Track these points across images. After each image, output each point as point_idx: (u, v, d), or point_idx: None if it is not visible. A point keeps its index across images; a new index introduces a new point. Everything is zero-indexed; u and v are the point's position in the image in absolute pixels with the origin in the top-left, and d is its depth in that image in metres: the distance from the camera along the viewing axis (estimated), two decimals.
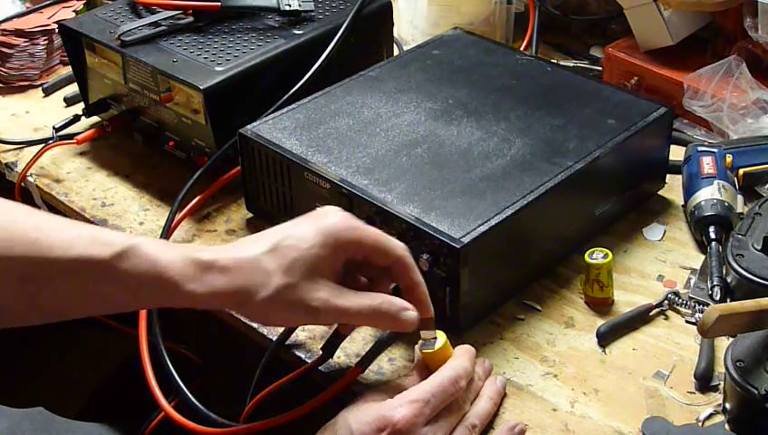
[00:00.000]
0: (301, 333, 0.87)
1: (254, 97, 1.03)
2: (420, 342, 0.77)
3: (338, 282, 0.73)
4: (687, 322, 0.87)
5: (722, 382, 0.78)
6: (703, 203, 0.94)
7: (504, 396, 0.80)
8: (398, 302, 0.74)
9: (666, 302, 0.88)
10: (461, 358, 0.77)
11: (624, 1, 1.19)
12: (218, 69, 1.03)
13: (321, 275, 0.72)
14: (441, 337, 0.77)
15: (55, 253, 0.69)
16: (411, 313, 0.74)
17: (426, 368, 0.77)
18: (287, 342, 0.86)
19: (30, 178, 1.11)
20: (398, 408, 0.71)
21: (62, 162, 1.13)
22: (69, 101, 1.24)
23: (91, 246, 0.69)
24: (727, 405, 0.76)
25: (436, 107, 0.99)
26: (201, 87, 1.00)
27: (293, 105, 1.00)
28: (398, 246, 0.75)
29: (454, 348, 0.79)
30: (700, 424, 0.77)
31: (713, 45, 1.18)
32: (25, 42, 1.27)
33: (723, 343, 0.82)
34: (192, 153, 1.07)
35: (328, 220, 0.74)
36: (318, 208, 0.76)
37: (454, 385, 0.74)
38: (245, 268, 0.71)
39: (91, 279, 0.69)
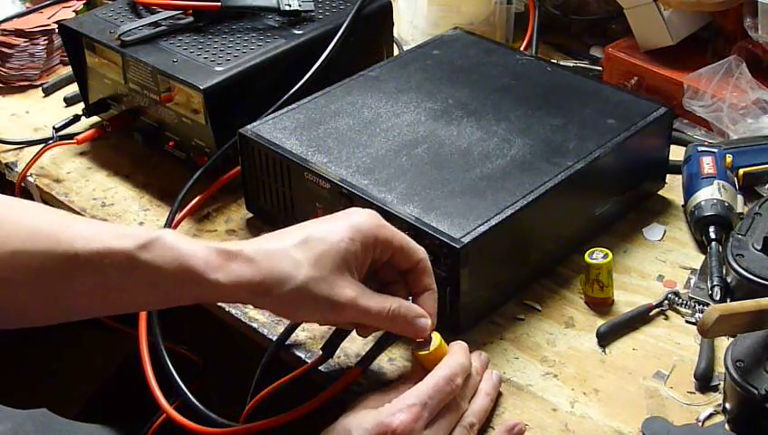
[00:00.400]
0: (301, 334, 0.87)
1: (254, 97, 1.03)
2: (415, 344, 0.77)
3: (361, 281, 0.74)
4: (687, 322, 0.87)
5: (722, 382, 0.78)
6: (703, 203, 0.94)
7: (499, 393, 0.80)
8: (415, 308, 0.75)
9: (666, 302, 0.88)
10: (456, 355, 0.77)
11: (624, 1, 1.19)
12: (218, 69, 1.03)
13: (348, 271, 0.72)
14: (435, 337, 0.77)
15: (77, 247, 0.68)
16: (426, 320, 0.76)
17: (422, 369, 0.77)
18: (287, 342, 0.86)
19: (30, 178, 1.11)
20: (397, 413, 0.71)
21: (62, 162, 1.13)
22: (69, 101, 1.24)
23: (113, 239, 0.69)
24: (727, 405, 0.76)
25: (436, 107, 0.99)
26: (201, 87, 1.00)
27: (293, 105, 1.00)
28: (421, 249, 0.76)
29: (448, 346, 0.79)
30: (700, 424, 0.77)
31: (713, 45, 1.18)
32: (25, 42, 1.27)
33: (723, 343, 0.82)
34: (192, 153, 1.07)
35: (358, 217, 0.74)
36: (348, 209, 0.77)
37: (449, 384, 0.74)
38: (273, 259, 0.71)
39: (113, 272, 0.69)
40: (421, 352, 0.76)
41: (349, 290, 0.72)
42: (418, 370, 0.77)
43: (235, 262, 0.70)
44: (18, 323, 0.73)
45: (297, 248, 0.72)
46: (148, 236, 0.69)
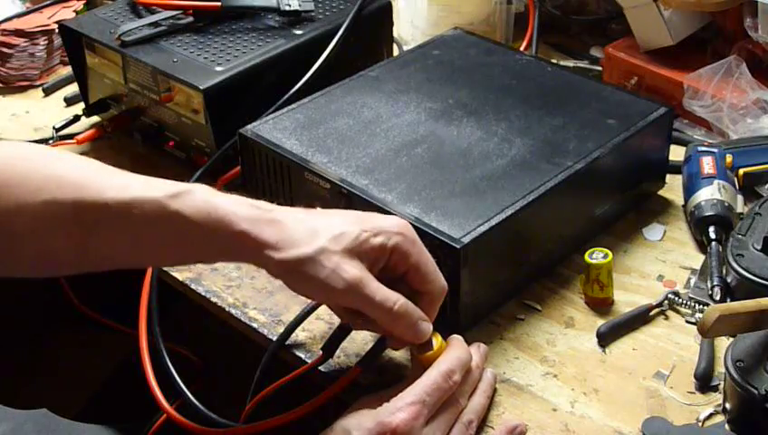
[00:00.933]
0: (301, 334, 0.87)
1: (254, 97, 1.03)
2: (415, 346, 0.77)
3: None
4: (687, 322, 0.87)
5: (722, 382, 0.78)
6: (703, 203, 0.94)
7: (497, 392, 0.80)
8: (418, 310, 0.75)
9: (666, 302, 0.88)
10: (454, 350, 0.77)
11: (624, 1, 1.19)
12: (218, 69, 1.03)
13: (360, 259, 0.72)
14: (436, 338, 0.77)
15: (107, 196, 0.70)
16: (428, 325, 0.75)
17: (423, 371, 0.76)
18: (287, 342, 0.86)
19: None
20: (397, 412, 0.71)
21: None
22: (69, 101, 1.24)
23: (144, 189, 0.70)
24: (727, 405, 0.76)
25: (436, 107, 0.99)
26: (201, 87, 1.00)
27: (293, 105, 1.00)
28: (438, 283, 0.76)
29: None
30: (700, 424, 0.77)
31: (713, 45, 1.18)
32: (25, 42, 1.27)
33: (723, 343, 0.82)
34: (192, 153, 1.07)
35: (389, 220, 0.75)
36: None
37: (447, 381, 0.74)
38: (296, 224, 0.72)
39: (143, 221, 0.70)
40: (425, 354, 0.76)
41: (356, 271, 0.72)
42: (418, 371, 0.77)
43: (262, 217, 0.72)
44: (49, 271, 0.75)
45: (320, 223, 0.73)
46: (179, 188, 0.71)
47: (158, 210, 0.70)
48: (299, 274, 0.72)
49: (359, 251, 0.72)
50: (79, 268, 0.74)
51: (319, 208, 0.76)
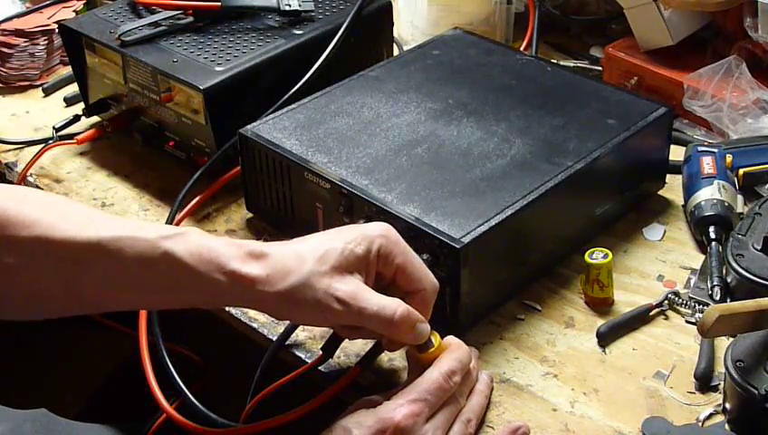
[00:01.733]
0: (301, 334, 0.87)
1: (254, 97, 1.03)
2: (415, 345, 0.77)
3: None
4: (687, 322, 0.87)
5: (722, 382, 0.78)
6: (703, 203, 0.94)
7: (495, 391, 0.80)
8: (417, 313, 0.75)
9: (666, 302, 0.88)
10: (455, 352, 0.77)
11: (624, 1, 1.19)
12: (218, 69, 1.03)
13: (350, 272, 0.72)
14: (435, 337, 0.77)
15: (100, 235, 0.70)
16: (426, 326, 0.75)
17: (422, 370, 0.76)
18: (287, 342, 0.86)
19: (30, 178, 1.11)
20: (398, 408, 0.71)
21: (62, 162, 1.13)
22: (69, 101, 1.24)
23: (137, 230, 0.71)
24: (727, 405, 0.76)
25: (436, 107, 0.99)
26: (201, 87, 1.00)
27: (293, 105, 1.00)
28: (428, 281, 0.76)
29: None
30: (700, 424, 0.77)
31: (713, 45, 1.18)
32: (25, 42, 1.27)
33: (723, 343, 0.82)
34: (192, 153, 1.07)
35: (369, 227, 0.75)
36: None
37: (448, 381, 0.74)
38: (283, 256, 0.72)
39: (135, 261, 0.70)
40: (425, 354, 0.76)
41: (347, 286, 0.72)
42: (417, 370, 0.77)
43: (252, 254, 0.72)
44: (37, 311, 0.75)
45: (303, 247, 0.73)
46: (173, 230, 0.72)
47: (151, 250, 0.70)
48: (294, 302, 0.72)
49: (347, 265, 0.72)
50: (67, 309, 0.74)
51: (306, 236, 0.76)
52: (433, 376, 0.74)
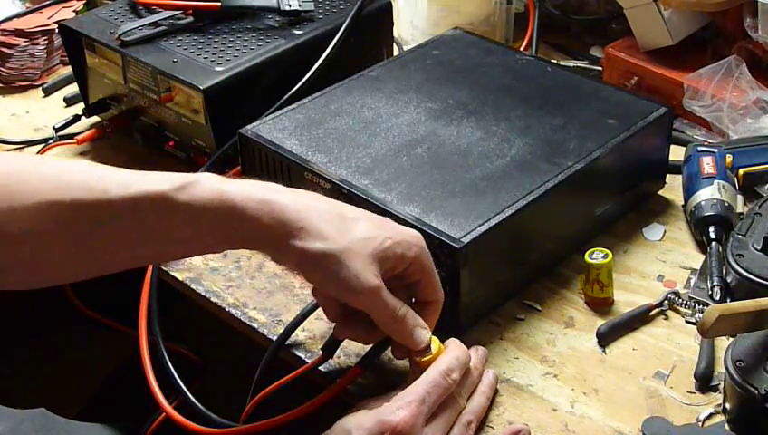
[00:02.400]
0: (301, 334, 0.87)
1: (254, 97, 1.03)
2: (414, 351, 0.77)
3: None
4: (687, 322, 0.87)
5: (722, 382, 0.78)
6: (703, 203, 0.94)
7: (497, 392, 0.80)
8: (419, 318, 0.76)
9: (666, 302, 0.88)
10: (452, 351, 0.77)
11: (624, 1, 1.19)
12: (218, 69, 1.03)
13: (379, 266, 0.72)
14: (434, 342, 0.77)
15: (110, 193, 0.68)
16: (426, 332, 0.76)
17: (422, 373, 0.76)
18: (287, 342, 0.86)
19: None
20: (397, 411, 0.71)
21: None
22: (69, 101, 1.24)
23: (149, 183, 0.69)
24: (727, 405, 0.76)
25: (436, 107, 0.99)
26: (201, 87, 1.00)
27: (293, 105, 1.00)
28: (440, 295, 0.78)
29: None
30: (700, 424, 0.77)
31: (713, 45, 1.18)
32: (25, 42, 1.27)
33: (723, 343, 0.82)
34: (192, 153, 1.07)
35: (411, 233, 0.75)
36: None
37: (446, 378, 0.74)
38: (322, 215, 0.71)
39: (150, 214, 0.69)
40: (424, 358, 0.76)
41: (376, 278, 0.72)
42: (418, 375, 0.76)
43: (278, 203, 0.70)
44: (45, 278, 0.73)
45: (346, 220, 0.73)
46: (186, 178, 0.70)
47: (167, 201, 0.68)
48: (321, 267, 0.71)
49: (381, 257, 0.73)
50: (78, 273, 0.72)
51: (332, 200, 0.76)
52: (430, 375, 0.74)
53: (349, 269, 0.71)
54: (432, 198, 0.86)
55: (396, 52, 1.23)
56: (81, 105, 1.17)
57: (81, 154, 1.14)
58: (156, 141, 1.11)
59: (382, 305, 0.73)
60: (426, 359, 0.76)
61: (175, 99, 1.05)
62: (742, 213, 0.94)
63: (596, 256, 0.88)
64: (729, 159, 0.99)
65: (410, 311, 0.75)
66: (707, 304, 0.87)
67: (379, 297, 0.72)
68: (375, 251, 0.72)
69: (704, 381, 0.80)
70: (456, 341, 0.78)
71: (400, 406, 0.71)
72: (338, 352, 0.83)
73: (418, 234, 0.76)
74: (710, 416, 0.77)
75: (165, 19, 1.11)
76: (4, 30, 1.27)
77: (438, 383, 0.73)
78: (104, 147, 1.15)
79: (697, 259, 0.94)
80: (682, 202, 1.00)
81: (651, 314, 0.88)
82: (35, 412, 0.89)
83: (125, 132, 1.14)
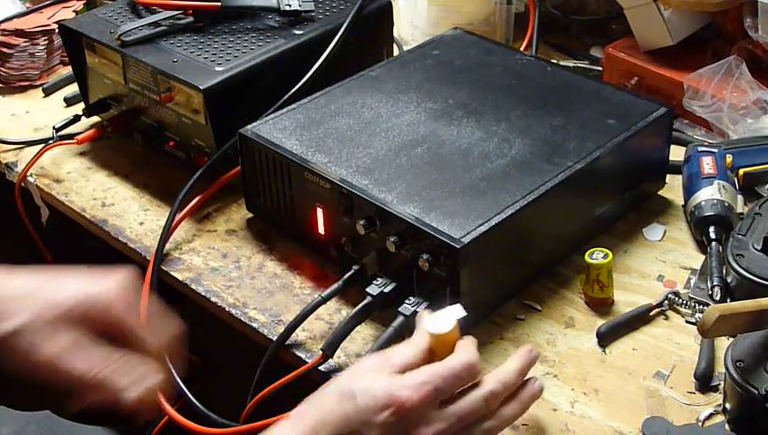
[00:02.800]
0: (301, 334, 0.87)
1: (254, 97, 1.03)
2: (428, 320, 0.72)
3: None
4: (687, 322, 0.87)
5: (722, 382, 0.78)
6: (703, 203, 0.94)
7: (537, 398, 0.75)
8: (121, 381, 0.68)
9: (666, 302, 0.88)
10: (503, 374, 0.72)
11: (624, 1, 1.19)
12: (218, 69, 1.03)
13: (69, 328, 0.66)
14: (454, 322, 0.72)
15: None
16: (134, 396, 0.68)
17: (428, 348, 0.72)
18: (287, 342, 0.86)
19: (30, 179, 1.11)
20: (407, 390, 0.67)
21: (63, 162, 1.13)
22: (69, 101, 1.24)
23: None
24: (727, 405, 0.76)
25: (436, 107, 0.99)
26: (201, 87, 1.00)
27: (293, 105, 1.00)
28: (153, 336, 0.69)
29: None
30: (700, 424, 0.77)
31: (713, 45, 1.18)
32: (25, 42, 1.27)
33: (723, 343, 0.82)
34: (192, 153, 1.07)
35: (101, 282, 0.68)
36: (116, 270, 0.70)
37: (468, 371, 0.70)
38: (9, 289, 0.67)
39: None
40: (439, 333, 0.71)
41: (55, 345, 0.65)
42: (425, 346, 0.72)
43: None
44: None
45: (32, 289, 0.67)
46: None
47: None
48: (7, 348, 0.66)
49: (67, 319, 0.66)
50: None
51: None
52: (453, 363, 0.69)
53: (30, 344, 0.65)
54: (432, 198, 0.86)
55: (396, 52, 1.23)
56: (81, 105, 1.17)
57: (81, 154, 1.14)
58: (156, 141, 1.11)
59: (69, 373, 0.66)
60: (442, 333, 0.71)
61: (175, 99, 1.05)
62: (742, 213, 0.94)
63: (596, 256, 0.88)
64: (729, 159, 0.99)
65: (113, 373, 0.67)
66: (707, 304, 0.87)
67: (63, 365, 0.66)
68: (57, 315, 0.65)
69: (704, 381, 0.80)
70: (515, 363, 0.73)
71: (411, 386, 0.68)
72: (338, 352, 0.83)
73: (118, 279, 0.68)
74: (710, 416, 0.77)
75: (165, 19, 1.11)
76: (5, 30, 1.27)
77: (458, 374, 0.69)
78: (104, 147, 1.15)
79: (697, 259, 0.94)
80: (682, 202, 1.00)
81: (651, 314, 0.88)
82: (40, 415, 0.89)
83: (125, 132, 1.14)
